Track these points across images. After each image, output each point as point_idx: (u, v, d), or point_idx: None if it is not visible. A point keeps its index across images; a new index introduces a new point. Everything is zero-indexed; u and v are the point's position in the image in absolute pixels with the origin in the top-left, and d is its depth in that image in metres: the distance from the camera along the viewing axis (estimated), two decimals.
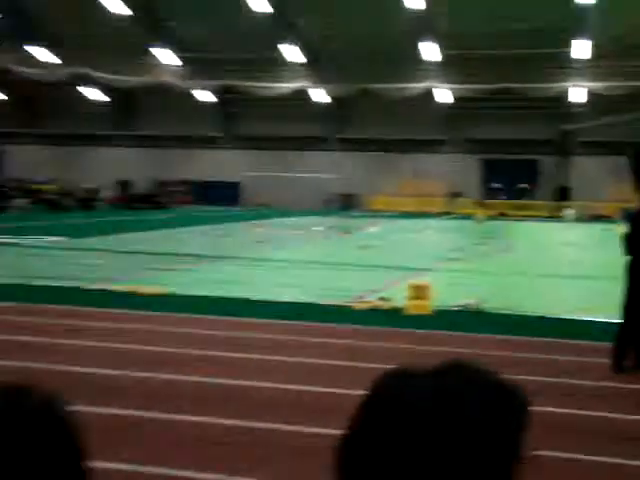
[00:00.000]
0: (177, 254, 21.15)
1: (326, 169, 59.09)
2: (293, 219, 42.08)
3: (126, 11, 48.24)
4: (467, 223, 41.19)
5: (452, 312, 12.56)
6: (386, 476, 1.11)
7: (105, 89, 58.04)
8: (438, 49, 50.07)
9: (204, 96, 57.31)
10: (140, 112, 62.33)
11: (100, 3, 47.09)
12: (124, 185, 57.41)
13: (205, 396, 7.59)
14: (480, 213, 44.65)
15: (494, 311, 12.80)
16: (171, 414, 6.98)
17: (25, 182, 51.85)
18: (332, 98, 55.86)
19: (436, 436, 1.10)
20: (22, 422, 1.41)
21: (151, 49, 52.84)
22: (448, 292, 14.03)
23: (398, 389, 1.16)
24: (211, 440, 6.31)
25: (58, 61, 54.22)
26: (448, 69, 51.20)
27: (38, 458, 1.39)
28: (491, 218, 45.37)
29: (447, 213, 52.46)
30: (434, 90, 52.90)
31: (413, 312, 12.24)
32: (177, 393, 7.67)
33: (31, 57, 53.29)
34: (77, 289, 14.22)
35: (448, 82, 51.92)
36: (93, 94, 59.63)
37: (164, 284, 14.78)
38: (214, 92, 56.50)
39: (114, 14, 48.20)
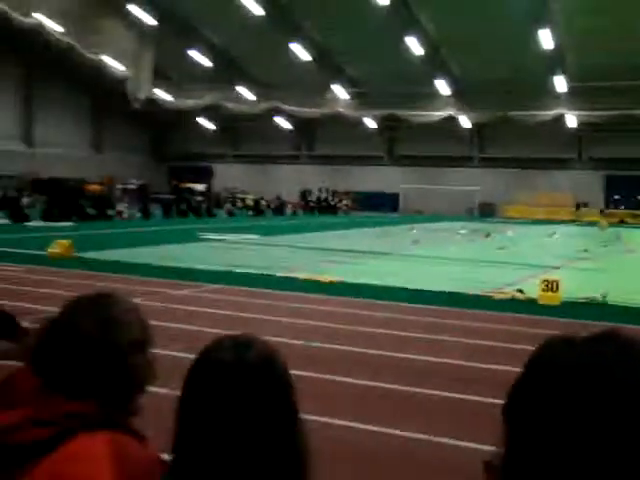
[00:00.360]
0: (348, 250, 21.07)
1: (469, 182, 58.35)
2: (442, 224, 41.11)
3: (308, 57, 49.42)
4: (591, 229, 39.14)
5: (579, 304, 12.02)
6: (544, 428, 1.06)
7: (291, 119, 59.63)
8: (565, 82, 48.75)
9: (370, 123, 57.93)
10: (318, 136, 63.45)
11: (290, 51, 48.47)
12: (304, 194, 58.58)
13: (370, 364, 7.57)
14: (603, 221, 43.04)
15: (617, 303, 12.13)
16: (342, 377, 7.01)
17: (231, 192, 54.20)
18: (475, 123, 55.24)
19: (588, 395, 1.04)
20: (246, 374, 1.44)
21: (331, 86, 53.70)
22: (576, 286, 13.33)
23: (557, 352, 1.10)
24: (373, 399, 6.39)
25: (254, 98, 56.18)
26: (575, 98, 49.65)
27: (257, 407, 1.42)
28: (612, 225, 43.16)
29: (573, 221, 50.74)
30: (565, 116, 51.40)
31: (545, 302, 11.87)
32: (352, 360, 7.70)
33: (235, 95, 55.58)
34: (267, 276, 14.43)
35: (575, 109, 50.39)
36: (282, 123, 61.38)
37: (337, 274, 14.73)
38: (378, 120, 56.91)
39: (300, 60, 49.47)
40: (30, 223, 29.94)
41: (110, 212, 36.36)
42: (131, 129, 63.62)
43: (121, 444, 1.61)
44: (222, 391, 1.42)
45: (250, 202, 51.21)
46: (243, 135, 65.50)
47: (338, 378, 7.07)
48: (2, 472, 1.61)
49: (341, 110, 54.88)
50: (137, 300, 8.11)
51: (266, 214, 48.21)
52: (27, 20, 39.87)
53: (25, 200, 34.09)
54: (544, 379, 1.09)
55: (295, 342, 8.42)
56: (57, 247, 17.01)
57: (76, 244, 17.89)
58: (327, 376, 7.12)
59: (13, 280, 12.65)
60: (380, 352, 8.21)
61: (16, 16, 38.88)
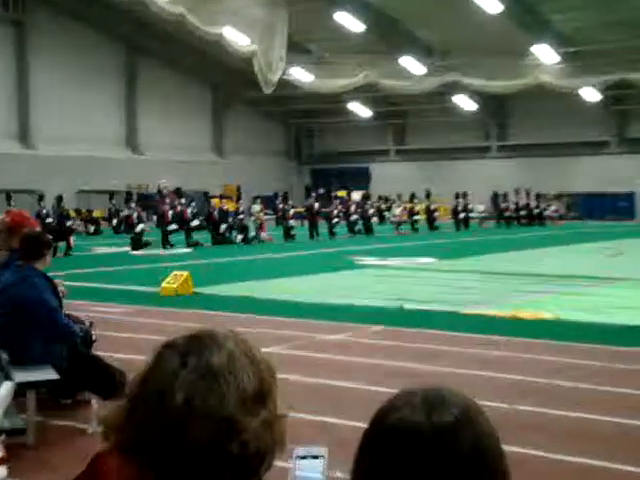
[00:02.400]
0: (561, 275, 21.01)
1: None
2: None
3: (498, 8, 48.09)
4: None
5: None
6: None
7: (475, 97, 59.51)
8: None
9: (589, 94, 56.02)
10: (513, 119, 63.27)
11: (472, 3, 47.33)
12: (496, 199, 56.98)
13: (622, 444, 7.31)
14: None
15: None
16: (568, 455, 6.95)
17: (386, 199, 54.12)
18: None
19: None
20: (443, 442, 1.53)
21: (532, 47, 52.49)
22: None
23: None
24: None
25: (424, 71, 56.02)
26: None
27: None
28: None
29: None
30: None
31: None
32: (583, 434, 7.63)
33: (398, 69, 55.71)
34: (450, 313, 14.71)
35: None
36: (462, 103, 61.41)
37: (545, 308, 14.88)
38: (601, 89, 54.77)
39: (486, 14, 48.31)
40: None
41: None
42: (261, 123, 65.88)
43: None
44: (411, 464, 1.50)
45: (420, 212, 50.49)
46: (409, 123, 66.89)
47: (560, 456, 6.90)
48: None
49: (546, 79, 53.33)
50: (272, 349, 10.62)
51: (442, 228, 47.96)
52: None
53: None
54: None
55: (500, 405, 8.26)
56: (173, 281, 17.61)
57: (198, 275, 18.89)
58: (550, 454, 6.96)
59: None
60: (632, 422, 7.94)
61: None
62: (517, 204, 54.73)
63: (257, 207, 39.99)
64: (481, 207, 54.84)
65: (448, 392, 1.62)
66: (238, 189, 42.87)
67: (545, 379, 9.66)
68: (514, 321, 13.68)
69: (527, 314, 14.11)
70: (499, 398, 8.37)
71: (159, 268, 22.60)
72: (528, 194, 55.50)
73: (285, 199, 41.46)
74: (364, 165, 67.94)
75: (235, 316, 14.16)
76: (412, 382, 6.22)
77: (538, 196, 55.72)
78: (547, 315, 14.09)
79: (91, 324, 8.69)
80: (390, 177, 64.93)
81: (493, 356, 11.05)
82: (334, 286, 19.31)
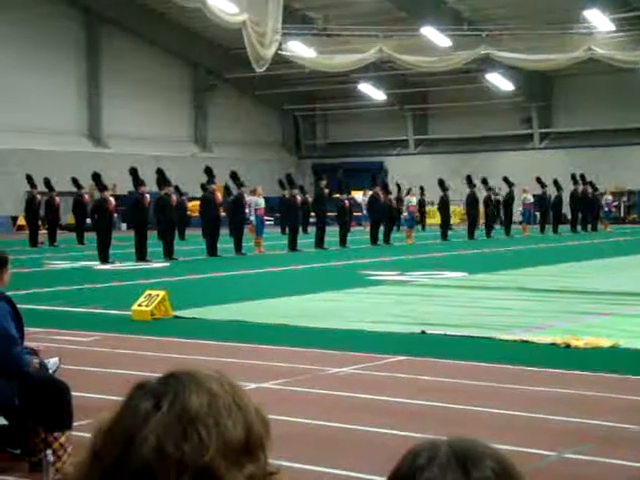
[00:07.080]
0: (622, 293, 21.03)
1: None
2: None
3: None
4: None
5: None
6: None
7: (512, 74, 59.82)
8: None
9: None
10: (558, 100, 64.67)
11: None
12: (543, 197, 55.32)
13: None
14: None
15: None
16: None
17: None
18: None
19: None
20: None
21: (584, 12, 52.62)
22: None
23: None
24: None
25: (450, 43, 56.16)
26: None
27: None
28: None
29: None
30: None
31: None
32: None
33: (420, 42, 55.68)
34: (484, 339, 14.73)
35: None
36: (497, 81, 62.00)
37: (604, 334, 14.68)
38: None
39: None
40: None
41: None
42: (252, 109, 66.51)
43: None
44: None
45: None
46: (432, 107, 67.66)
47: None
48: None
49: (600, 51, 52.96)
50: (267, 384, 11.32)
51: (477, 236, 48.14)
52: None
53: None
54: None
55: (547, 453, 8.41)
56: (146, 302, 17.54)
57: (178, 295, 19.28)
58: None
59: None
60: None
61: None
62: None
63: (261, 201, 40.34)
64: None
65: (474, 443, 1.67)
66: (227, 188, 42.83)
67: (608, 422, 9.40)
68: (564, 348, 13.67)
69: (578, 341, 13.93)
70: (546, 444, 8.39)
71: (131, 286, 22.96)
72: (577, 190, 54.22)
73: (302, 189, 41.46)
74: (377, 159, 68.85)
75: (222, 345, 14.37)
76: (435, 425, 9.06)
77: (594, 190, 54.31)
78: (603, 342, 13.90)
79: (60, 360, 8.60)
80: (410, 172, 65.41)
81: (536, 392, 10.96)
82: (342, 308, 19.25)
